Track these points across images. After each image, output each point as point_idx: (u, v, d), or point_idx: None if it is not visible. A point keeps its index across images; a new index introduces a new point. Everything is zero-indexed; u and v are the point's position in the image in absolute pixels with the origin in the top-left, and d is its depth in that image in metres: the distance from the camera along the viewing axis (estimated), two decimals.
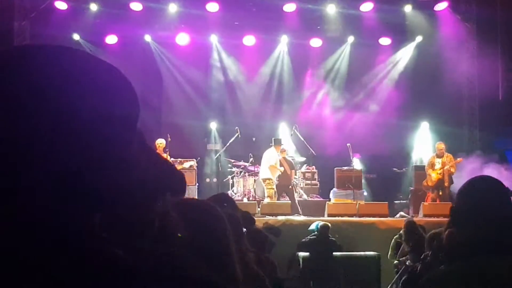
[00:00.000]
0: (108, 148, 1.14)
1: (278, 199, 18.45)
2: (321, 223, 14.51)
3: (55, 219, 1.11)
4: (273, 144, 18.61)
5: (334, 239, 14.42)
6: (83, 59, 1.22)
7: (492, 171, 18.85)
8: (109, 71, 1.23)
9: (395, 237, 13.82)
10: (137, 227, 1.25)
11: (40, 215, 1.10)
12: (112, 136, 1.16)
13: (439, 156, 18.51)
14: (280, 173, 18.36)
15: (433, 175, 18.36)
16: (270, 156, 18.44)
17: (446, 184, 18.35)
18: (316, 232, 14.46)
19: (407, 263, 12.67)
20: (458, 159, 18.69)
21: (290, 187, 18.68)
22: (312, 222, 15.82)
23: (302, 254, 14.67)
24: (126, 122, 1.20)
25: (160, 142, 17.70)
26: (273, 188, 18.31)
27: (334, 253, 14.41)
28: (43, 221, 1.10)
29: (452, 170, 18.36)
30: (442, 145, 18.60)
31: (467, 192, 3.24)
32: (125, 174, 1.17)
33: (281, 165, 18.53)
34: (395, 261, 13.21)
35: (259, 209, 17.16)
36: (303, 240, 14.50)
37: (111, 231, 1.17)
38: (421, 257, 11.29)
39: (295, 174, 19.68)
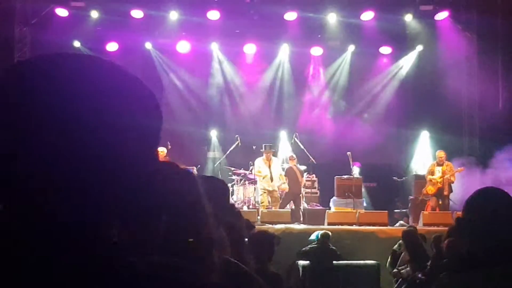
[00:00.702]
0: (129, 160, 1.15)
1: (283, 207, 18.48)
2: (322, 232, 14.49)
3: (70, 224, 1.11)
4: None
5: (334, 248, 14.39)
6: (112, 72, 1.22)
7: (491, 179, 18.88)
8: (134, 85, 1.23)
9: (394, 247, 13.82)
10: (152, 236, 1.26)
11: (54, 221, 1.10)
12: (137, 149, 1.16)
13: (439, 164, 18.52)
14: (263, 178, 18.42)
15: (434, 183, 18.35)
16: (254, 165, 18.64)
17: (445, 193, 18.36)
18: (316, 241, 14.44)
19: (401, 272, 12.69)
20: (459, 168, 18.70)
21: (300, 195, 18.79)
22: (312, 230, 15.83)
23: (302, 262, 14.66)
24: (149, 138, 1.20)
25: (161, 151, 17.65)
26: (262, 194, 18.42)
27: (334, 262, 14.39)
28: (57, 227, 1.11)
29: (452, 179, 18.38)
30: (442, 154, 18.61)
31: (476, 203, 3.18)
32: (144, 187, 1.17)
33: (291, 173, 18.64)
34: (394, 270, 13.20)
35: (259, 217, 17.18)
36: (303, 248, 14.47)
37: (129, 240, 1.18)
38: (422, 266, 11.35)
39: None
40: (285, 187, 18.81)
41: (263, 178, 18.41)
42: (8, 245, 1.09)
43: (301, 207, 18.56)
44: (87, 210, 1.12)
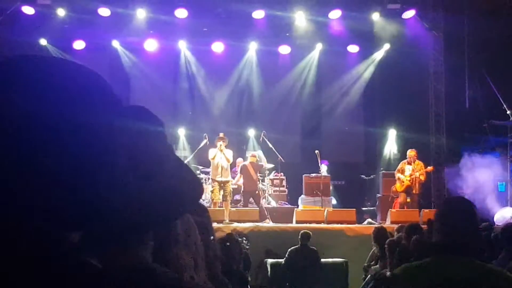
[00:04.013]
0: (85, 159, 1.11)
1: (245, 205, 18.41)
2: (302, 232, 14.38)
3: (22, 226, 1.09)
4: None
5: (315, 248, 14.28)
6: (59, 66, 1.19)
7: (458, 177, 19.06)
8: (88, 78, 1.20)
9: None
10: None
11: (8, 222, 1.08)
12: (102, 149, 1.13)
13: (410, 163, 18.60)
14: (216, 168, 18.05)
15: (403, 181, 18.43)
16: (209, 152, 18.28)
17: (414, 191, 18.45)
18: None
19: (371, 268, 12.76)
20: (429, 167, 18.83)
21: (257, 192, 18.63)
22: (281, 229, 15.86)
23: (270, 260, 14.65)
24: (105, 131, 1.16)
25: None
26: (214, 188, 17.95)
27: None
28: (10, 228, 1.08)
29: (422, 178, 18.48)
30: (413, 152, 18.70)
31: (446, 209, 4.11)
32: (108, 188, 1.14)
33: (244, 170, 18.47)
34: (364, 264, 13.26)
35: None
36: (290, 249, 14.31)
37: (85, 239, 1.15)
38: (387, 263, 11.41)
39: (263, 180, 19.73)
40: (240, 183, 18.79)
41: (216, 167, 17.80)
42: None
43: (261, 204, 18.41)
44: (44, 213, 1.09)
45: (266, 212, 17.99)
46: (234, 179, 18.93)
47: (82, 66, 1.21)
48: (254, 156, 19.07)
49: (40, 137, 1.08)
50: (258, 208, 18.02)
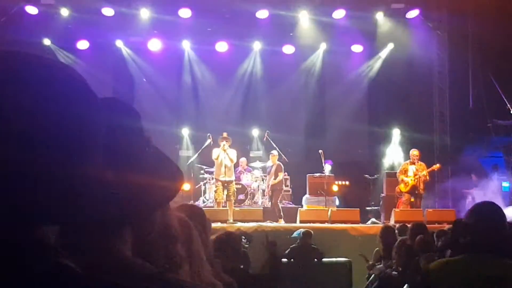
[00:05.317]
0: (59, 158, 1.09)
1: (275, 204, 18.44)
2: (303, 230, 14.39)
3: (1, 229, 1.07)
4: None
5: (316, 246, 14.28)
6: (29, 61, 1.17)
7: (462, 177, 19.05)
8: (62, 74, 1.17)
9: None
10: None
11: None
12: (65, 144, 1.10)
13: (413, 162, 18.55)
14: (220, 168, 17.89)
15: (408, 181, 18.36)
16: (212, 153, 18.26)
17: (418, 191, 18.40)
18: (298, 240, 14.33)
19: (376, 267, 12.73)
20: (436, 165, 18.78)
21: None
22: (284, 228, 15.85)
23: None
24: (82, 128, 1.14)
25: None
26: (218, 188, 17.88)
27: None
28: None
29: (427, 177, 18.44)
30: (417, 152, 18.65)
31: (475, 211, 4.36)
32: (85, 184, 1.12)
33: (277, 171, 18.60)
34: (369, 263, 13.23)
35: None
36: (291, 246, 14.30)
37: (65, 241, 1.14)
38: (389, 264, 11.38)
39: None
40: (273, 182, 18.79)
41: (219, 166, 17.80)
42: None
43: (278, 204, 18.44)
44: (20, 211, 1.07)
45: (280, 212, 18.05)
46: (277, 178, 18.82)
47: (55, 60, 1.19)
48: (275, 155, 19.06)
49: (10, 132, 1.06)
50: (262, 208, 18.05)
